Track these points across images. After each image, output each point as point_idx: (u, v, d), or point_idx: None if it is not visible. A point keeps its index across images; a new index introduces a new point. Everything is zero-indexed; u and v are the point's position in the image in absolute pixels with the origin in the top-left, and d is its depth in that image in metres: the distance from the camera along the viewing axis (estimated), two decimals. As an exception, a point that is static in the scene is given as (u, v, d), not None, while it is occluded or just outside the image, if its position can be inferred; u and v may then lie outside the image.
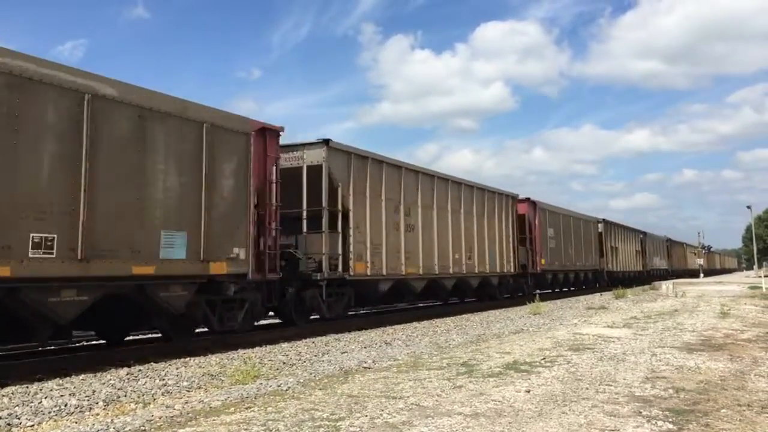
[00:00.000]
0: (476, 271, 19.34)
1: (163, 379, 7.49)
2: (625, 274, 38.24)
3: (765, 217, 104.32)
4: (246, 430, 4.56)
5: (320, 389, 6.20)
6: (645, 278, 41.94)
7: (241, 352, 9.76)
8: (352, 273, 13.43)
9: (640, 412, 4.98)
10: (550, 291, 27.94)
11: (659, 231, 55.08)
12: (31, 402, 6.27)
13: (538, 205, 25.12)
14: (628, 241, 39.74)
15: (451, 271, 17.83)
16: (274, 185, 11.51)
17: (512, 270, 22.11)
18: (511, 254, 22.06)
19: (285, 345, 10.69)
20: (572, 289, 30.93)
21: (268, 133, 11.53)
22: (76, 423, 5.42)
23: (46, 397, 6.45)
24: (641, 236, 43.95)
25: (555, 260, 26.46)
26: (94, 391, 6.75)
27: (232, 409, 5.39)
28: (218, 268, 10.14)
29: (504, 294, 22.22)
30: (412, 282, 16.13)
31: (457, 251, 18.21)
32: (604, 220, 34.96)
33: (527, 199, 24.68)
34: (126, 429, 4.84)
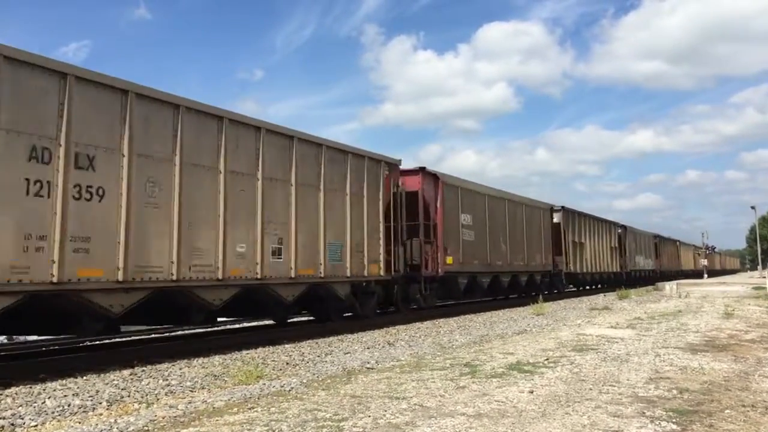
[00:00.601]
0: (291, 275, 11.46)
1: (167, 380, 7.50)
2: (594, 276, 31.44)
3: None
4: (249, 430, 4.57)
5: (323, 390, 6.20)
6: (623, 281, 35.19)
7: (244, 352, 9.77)
8: None
9: (644, 413, 4.97)
10: (462, 301, 20.32)
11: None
12: (35, 402, 6.29)
13: (441, 180, 17.33)
14: (599, 235, 32.32)
15: (220, 274, 9.98)
16: None
17: (383, 272, 14.27)
18: (382, 249, 14.31)
19: (288, 345, 10.69)
20: (510, 297, 23.25)
21: None
22: (79, 423, 5.43)
23: (49, 397, 6.46)
24: (619, 230, 36.63)
25: (474, 258, 18.88)
26: (97, 391, 6.76)
27: (236, 409, 5.39)
28: None
29: (371, 311, 14.49)
30: (93, 296, 8.28)
31: (241, 242, 10.48)
32: (562, 207, 27.40)
33: (421, 170, 16.75)
34: (129, 429, 4.85)
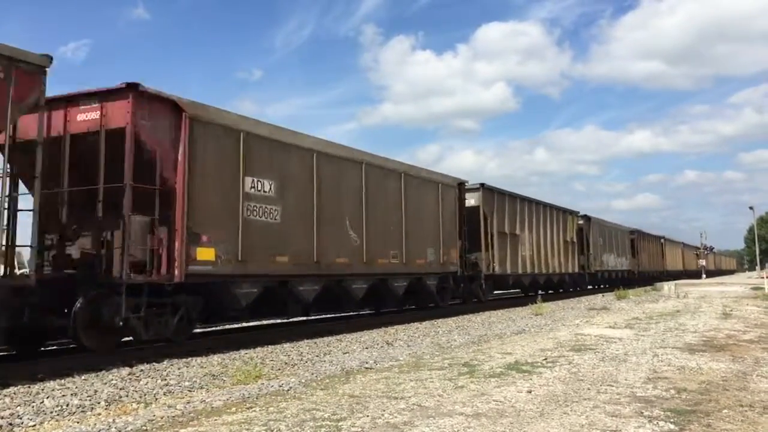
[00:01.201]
0: None
1: (165, 379, 7.50)
2: (537, 278, 24.33)
3: (767, 218, 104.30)
4: (248, 429, 4.57)
5: (322, 389, 6.20)
6: (585, 285, 30.60)
7: (242, 352, 9.77)
8: None
9: (642, 413, 4.98)
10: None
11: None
12: (33, 402, 6.28)
13: (187, 114, 9.71)
14: (546, 226, 25.13)
15: None
16: None
17: None
18: None
19: (287, 345, 10.70)
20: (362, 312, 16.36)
21: None
22: (77, 423, 5.43)
23: (48, 397, 6.46)
24: (580, 221, 29.67)
25: (280, 252, 11.31)
26: (96, 391, 6.76)
27: (234, 409, 5.40)
28: None
29: None
30: None
31: None
32: (482, 185, 20.10)
33: (133, 88, 9.01)
34: (128, 429, 4.85)
